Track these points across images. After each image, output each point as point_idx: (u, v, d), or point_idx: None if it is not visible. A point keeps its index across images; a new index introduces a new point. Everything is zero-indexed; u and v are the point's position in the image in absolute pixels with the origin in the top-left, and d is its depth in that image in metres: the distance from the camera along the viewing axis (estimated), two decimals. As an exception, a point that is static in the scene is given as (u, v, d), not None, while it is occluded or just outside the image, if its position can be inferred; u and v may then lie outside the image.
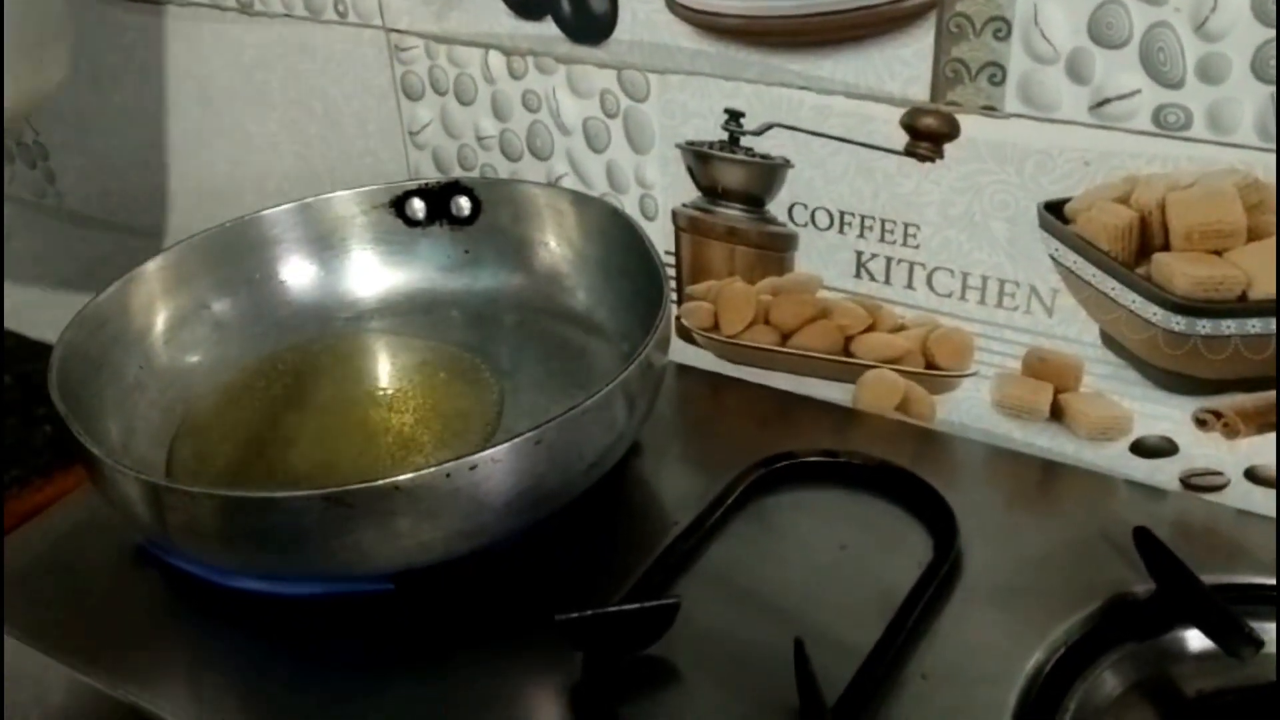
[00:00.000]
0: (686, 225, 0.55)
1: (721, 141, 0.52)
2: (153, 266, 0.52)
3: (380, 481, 0.37)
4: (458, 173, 0.61)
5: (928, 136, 0.48)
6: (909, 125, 0.48)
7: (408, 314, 0.56)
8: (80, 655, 0.43)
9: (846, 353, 0.54)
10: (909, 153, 0.48)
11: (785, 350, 0.55)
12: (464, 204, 0.57)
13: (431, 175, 0.62)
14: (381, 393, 0.52)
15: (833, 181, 0.51)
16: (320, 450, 0.48)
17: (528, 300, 0.56)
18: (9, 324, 0.90)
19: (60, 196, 0.78)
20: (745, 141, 0.52)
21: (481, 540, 0.40)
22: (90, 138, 0.74)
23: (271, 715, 0.40)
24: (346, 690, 0.41)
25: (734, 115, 0.51)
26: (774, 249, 0.54)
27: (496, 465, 0.38)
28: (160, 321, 0.51)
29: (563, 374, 0.52)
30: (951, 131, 0.47)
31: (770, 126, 0.51)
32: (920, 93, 0.47)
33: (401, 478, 0.37)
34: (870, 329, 0.53)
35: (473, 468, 0.38)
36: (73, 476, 0.64)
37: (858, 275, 0.52)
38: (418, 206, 0.57)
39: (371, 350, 0.55)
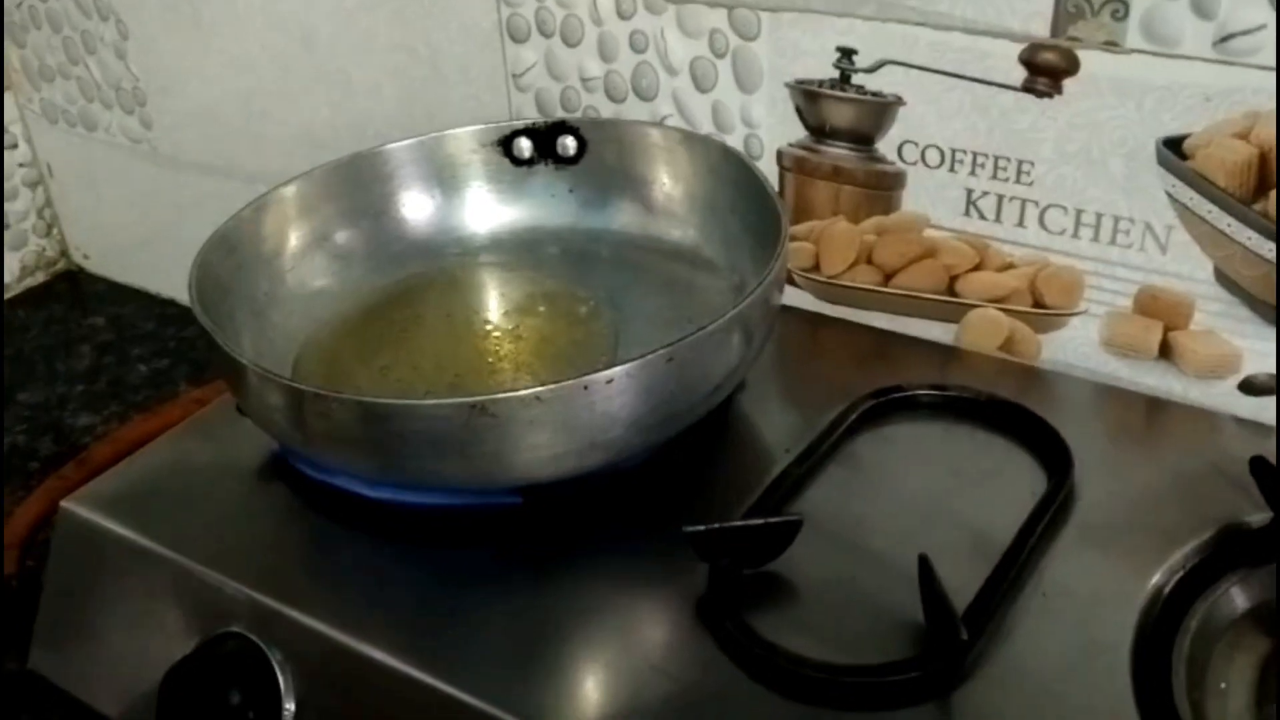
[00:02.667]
0: (791, 165, 0.56)
1: (832, 80, 0.53)
2: (282, 195, 0.53)
3: (523, 391, 0.38)
4: (560, 114, 0.62)
5: (1047, 72, 0.48)
6: (1028, 61, 0.48)
7: (516, 250, 0.57)
8: (212, 559, 0.45)
9: (951, 292, 0.54)
10: (1026, 89, 0.49)
11: (888, 290, 0.56)
12: (570, 144, 0.58)
13: (534, 117, 0.63)
14: (496, 324, 0.53)
15: (946, 119, 0.51)
16: (444, 375, 0.49)
17: (633, 238, 0.57)
18: (99, 269, 0.92)
19: (156, 141, 0.80)
20: (857, 79, 0.52)
21: (610, 456, 0.41)
22: (189, 83, 0.76)
23: (399, 622, 0.42)
24: (473, 601, 0.42)
25: (846, 53, 0.52)
26: (881, 188, 0.54)
27: (631, 380, 0.39)
28: (287, 249, 0.53)
29: (671, 308, 0.53)
30: (1071, 67, 0.47)
31: (883, 63, 0.51)
32: (1041, 28, 0.47)
33: (543, 388, 0.38)
34: (977, 268, 0.53)
35: (609, 381, 0.39)
36: (176, 408, 0.66)
37: (966, 213, 0.52)
38: (524, 146, 0.58)
39: (485, 284, 0.56)
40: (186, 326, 0.84)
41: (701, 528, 0.41)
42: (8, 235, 0.88)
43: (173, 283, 0.87)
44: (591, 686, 0.40)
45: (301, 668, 0.42)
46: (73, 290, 0.91)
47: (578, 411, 0.39)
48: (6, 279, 0.89)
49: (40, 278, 0.91)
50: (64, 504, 0.48)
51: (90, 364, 0.81)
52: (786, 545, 0.42)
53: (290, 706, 0.41)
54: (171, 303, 0.87)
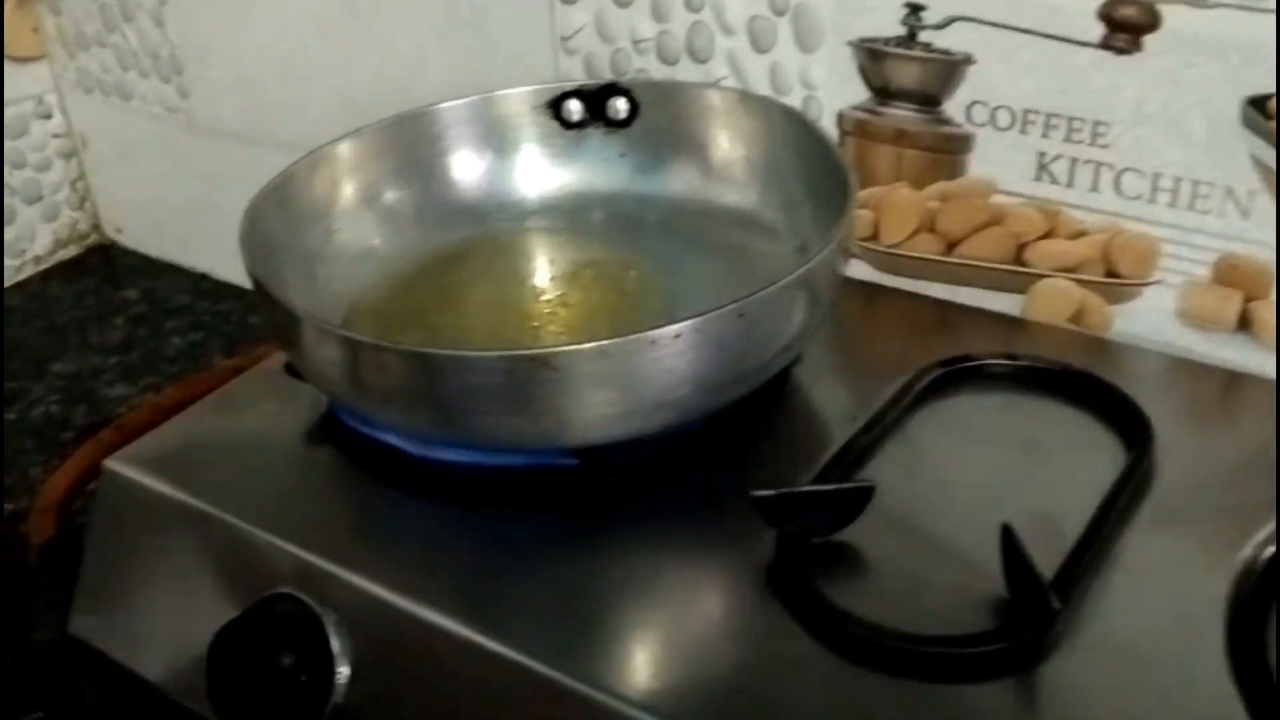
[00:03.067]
0: (852, 129, 0.54)
1: (898, 37, 0.51)
2: (334, 152, 0.52)
3: (586, 345, 0.37)
4: (609, 77, 0.60)
5: (1126, 28, 0.46)
6: (1107, 16, 0.46)
7: (566, 215, 0.55)
8: (261, 519, 0.43)
9: (1019, 261, 0.53)
10: (1104, 45, 0.47)
11: (951, 259, 0.54)
12: (621, 106, 0.56)
13: (582, 80, 0.62)
14: (545, 290, 0.51)
15: (1018, 78, 0.49)
16: (495, 336, 0.48)
17: (687, 202, 0.55)
18: (132, 243, 0.91)
19: (192, 111, 0.79)
20: (924, 37, 0.50)
21: (674, 416, 0.40)
22: (227, 50, 0.74)
23: (454, 584, 0.40)
24: (530, 564, 0.41)
25: (914, 8, 0.50)
26: (946, 151, 0.52)
27: (699, 335, 0.38)
28: (336, 207, 0.51)
29: (728, 274, 0.51)
30: (1153, 22, 0.46)
31: (953, 20, 0.50)
32: (1121, -19, 0.46)
33: (607, 341, 0.37)
34: (1047, 235, 0.51)
35: (677, 336, 0.37)
36: (214, 377, 0.65)
37: (1037, 178, 0.51)
38: (575, 108, 0.56)
39: (534, 249, 0.54)
40: (221, 300, 0.83)
41: (770, 492, 0.39)
42: (40, 206, 0.87)
43: (207, 256, 0.86)
44: (655, 652, 0.38)
45: (355, 630, 0.40)
46: (105, 264, 0.89)
47: (643, 367, 0.38)
48: (39, 250, 0.88)
49: (73, 250, 0.90)
50: (107, 463, 0.47)
51: (124, 336, 0.79)
52: (858, 512, 0.40)
53: (344, 670, 0.40)
54: (205, 277, 0.86)
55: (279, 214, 0.48)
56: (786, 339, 0.41)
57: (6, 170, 0.84)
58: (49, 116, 0.86)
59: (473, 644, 0.38)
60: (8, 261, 0.86)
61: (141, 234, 0.90)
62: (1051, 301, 0.53)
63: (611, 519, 0.43)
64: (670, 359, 0.38)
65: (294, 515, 0.44)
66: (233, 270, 0.84)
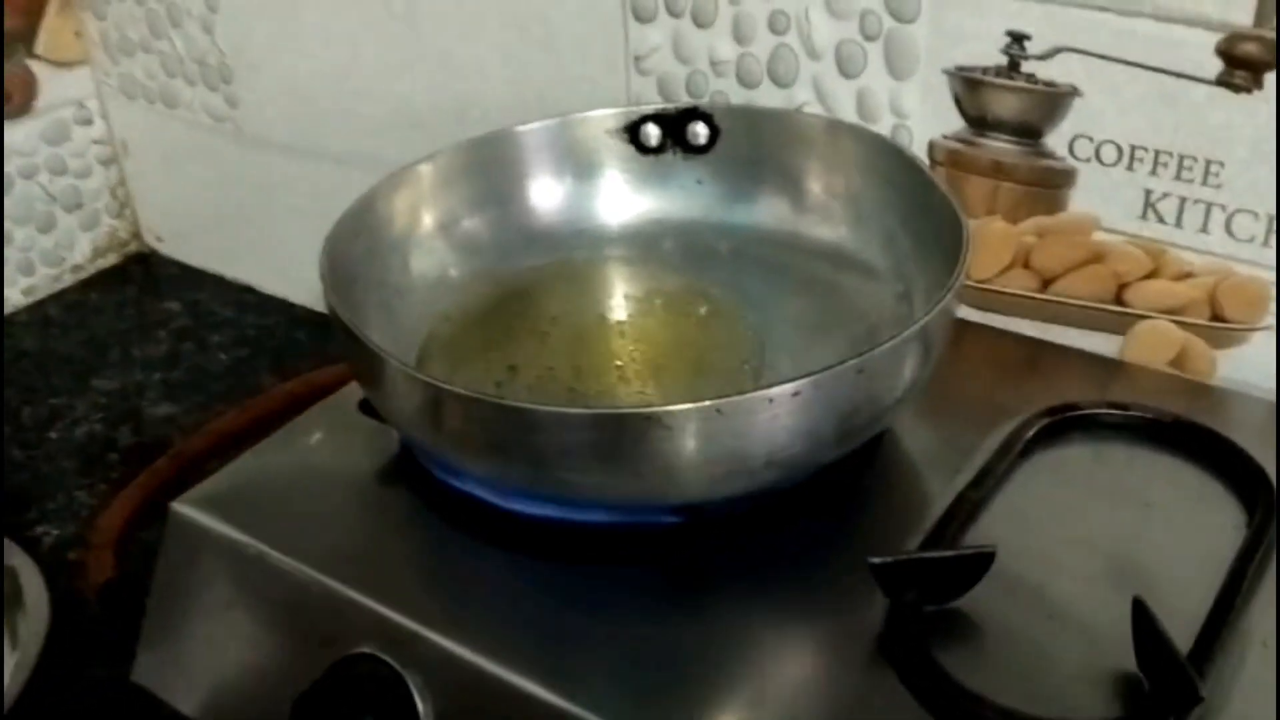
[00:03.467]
0: (944, 159, 0.52)
1: (999, 66, 0.49)
2: (414, 175, 0.50)
3: (703, 403, 0.35)
4: (684, 100, 0.58)
5: (1246, 65, 0.44)
6: (1225, 52, 0.44)
7: (644, 242, 0.53)
8: (337, 570, 0.41)
9: (1119, 301, 0.51)
10: (1222, 82, 0.45)
11: (1046, 297, 0.52)
12: (701, 131, 0.54)
13: (654, 102, 0.59)
14: (628, 322, 0.49)
15: (1126, 112, 0.47)
16: (580, 379, 0.46)
17: (768, 234, 0.53)
18: (171, 252, 0.89)
19: (241, 121, 0.77)
20: (1027, 67, 0.48)
21: (784, 474, 0.38)
22: (280, 60, 0.72)
23: (546, 646, 0.38)
24: (626, 625, 0.39)
25: (1017, 38, 0.48)
26: (1046, 186, 0.50)
27: (818, 392, 0.36)
28: (413, 234, 0.49)
29: (817, 312, 0.49)
30: (1274, 60, 0.43)
31: (1059, 50, 0.47)
32: (1243, 16, 0.43)
33: (724, 400, 0.35)
34: (1151, 275, 0.49)
35: (796, 394, 0.35)
36: (271, 401, 0.63)
37: (1143, 216, 0.48)
38: (652, 133, 0.54)
39: (612, 279, 0.52)
40: (266, 314, 0.81)
41: (888, 559, 0.37)
42: (80, 215, 0.85)
43: (250, 268, 0.84)
44: (756, 722, 0.36)
45: (440, 692, 0.38)
46: (145, 273, 0.88)
47: (758, 425, 0.36)
48: (78, 259, 0.86)
49: (112, 259, 0.88)
50: (175, 506, 0.45)
51: (168, 350, 0.78)
52: (977, 579, 0.38)
53: (430, 735, 0.38)
54: (249, 289, 0.84)
55: (357, 242, 0.46)
56: (900, 392, 0.39)
57: (46, 178, 0.82)
58: (89, 122, 0.84)
59: (564, 712, 0.36)
60: (47, 270, 0.85)
61: (182, 243, 0.88)
62: (1152, 344, 0.50)
63: (708, 577, 0.41)
64: (786, 417, 0.36)
65: (371, 566, 0.42)
66: (276, 283, 0.83)
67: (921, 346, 0.38)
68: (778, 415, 0.36)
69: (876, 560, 0.37)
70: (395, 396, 0.39)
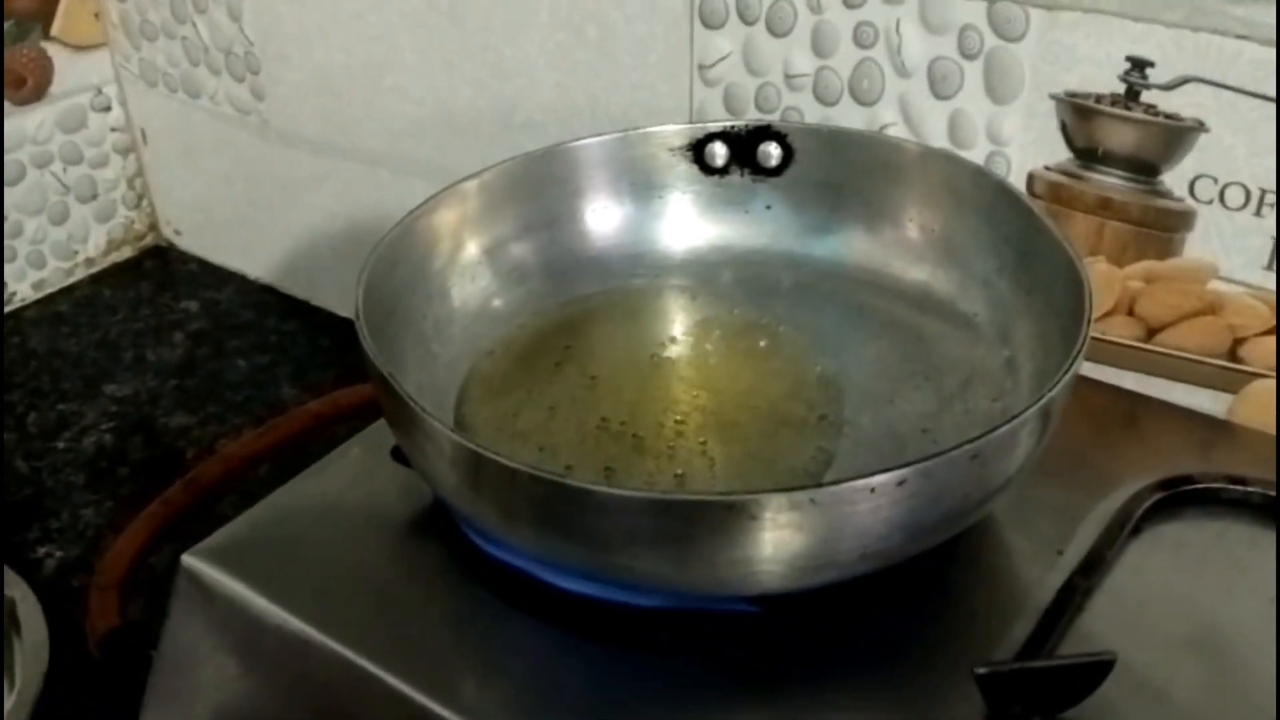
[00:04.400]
0: (1046, 192, 0.47)
1: (1115, 95, 0.44)
2: (455, 197, 0.45)
3: (795, 492, 0.30)
4: (752, 115, 0.53)
5: None
6: (1384, 89, 0.39)
7: (705, 272, 0.48)
8: (363, 642, 0.37)
9: (1232, 357, 0.46)
10: (1377, 123, 0.40)
11: (1151, 348, 0.47)
12: (773, 152, 0.49)
13: (719, 116, 0.55)
14: (689, 364, 0.45)
15: (1260, 153, 0.42)
16: (633, 433, 0.41)
17: (841, 268, 0.48)
18: (190, 246, 0.85)
19: (267, 113, 0.72)
20: (1148, 97, 0.43)
21: (877, 565, 0.33)
22: (312, 52, 0.68)
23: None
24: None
25: (1139, 64, 0.43)
26: (1159, 228, 0.45)
27: (926, 481, 0.31)
28: (455, 263, 0.44)
29: (900, 358, 0.44)
30: None
31: (1186, 80, 0.42)
32: (1407, 49, 0.38)
33: (819, 490, 0.30)
34: (1271, 332, 0.44)
35: (901, 482, 0.31)
36: (292, 422, 0.59)
37: (1269, 267, 0.43)
38: (719, 152, 0.49)
39: (670, 310, 0.47)
40: (287, 318, 0.76)
41: (994, 669, 0.32)
42: (94, 205, 0.81)
43: (272, 267, 0.80)
44: None
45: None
46: (162, 268, 0.83)
47: (857, 516, 0.31)
48: (91, 252, 0.82)
49: (127, 252, 0.84)
50: (186, 559, 0.40)
51: (184, 355, 0.73)
52: (1094, 689, 0.33)
53: (462, 841, 0.34)
54: (270, 289, 0.79)
55: (392, 274, 0.41)
56: (1012, 473, 0.34)
57: (60, 166, 0.78)
58: (108, 109, 0.79)
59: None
60: (58, 264, 0.80)
61: (202, 238, 0.84)
62: (1267, 405, 0.45)
63: (780, 671, 0.36)
64: (888, 508, 0.31)
65: (398, 638, 0.37)
66: (300, 285, 0.78)
67: (1040, 425, 0.34)
68: (879, 506, 0.31)
69: (982, 670, 0.32)
70: (436, 460, 0.34)
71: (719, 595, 0.34)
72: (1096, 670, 0.33)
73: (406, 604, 0.39)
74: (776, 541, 0.31)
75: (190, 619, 0.41)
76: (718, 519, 0.30)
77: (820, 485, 0.30)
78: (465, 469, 0.33)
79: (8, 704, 0.49)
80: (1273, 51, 0.40)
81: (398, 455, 0.42)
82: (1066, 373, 0.34)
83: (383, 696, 0.36)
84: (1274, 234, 0.43)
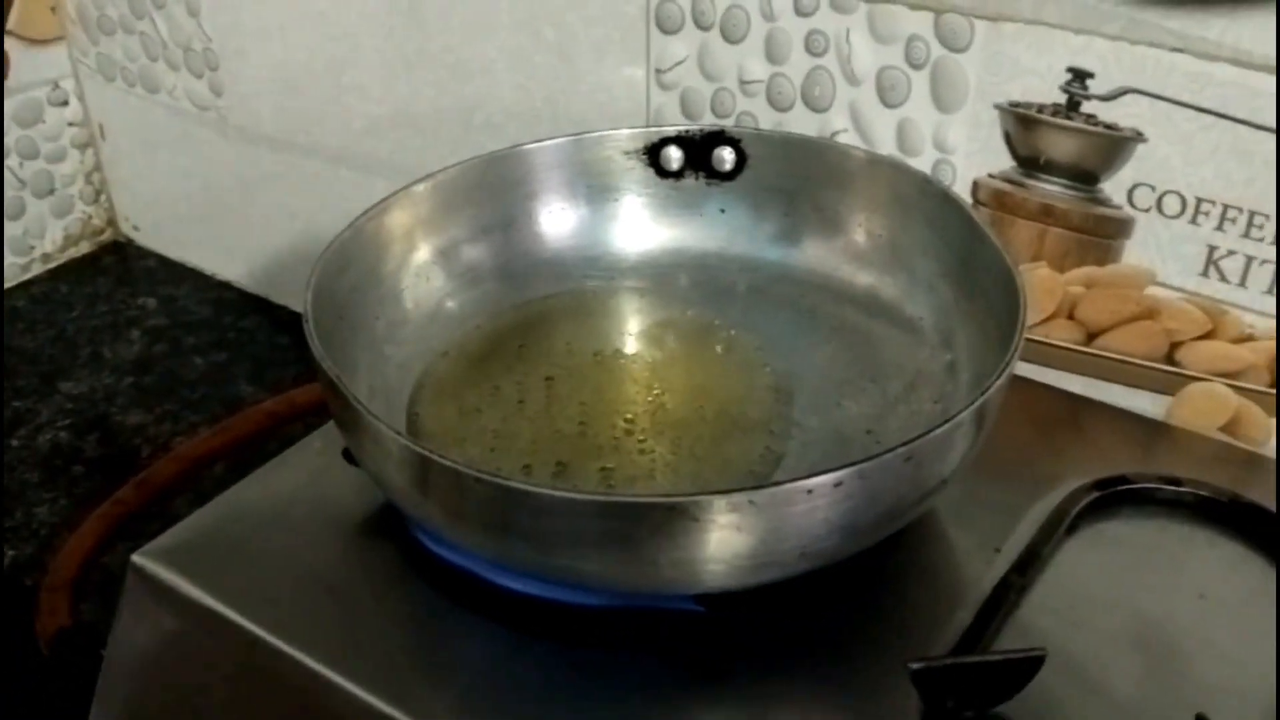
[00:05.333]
0: (989, 199, 0.48)
1: (1056, 105, 0.45)
2: (407, 199, 0.45)
3: (734, 494, 0.31)
4: (708, 119, 0.54)
5: (1334, 118, 0.40)
6: (1312, 103, 0.40)
7: (659, 275, 0.49)
8: (315, 645, 0.37)
9: (1170, 360, 0.47)
10: (1305, 135, 0.41)
11: (1091, 351, 0.48)
12: (727, 156, 0.50)
13: (675, 120, 0.55)
14: (640, 367, 0.45)
15: (1195, 163, 0.43)
16: (584, 435, 0.42)
17: (792, 272, 0.49)
18: (149, 242, 0.85)
19: (226, 110, 0.72)
20: (1088, 107, 0.44)
21: (816, 563, 0.34)
22: (272, 49, 0.68)
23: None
24: (627, 716, 0.35)
25: (1079, 75, 0.44)
26: (1098, 234, 0.46)
27: (862, 483, 0.32)
28: (407, 265, 0.45)
29: (846, 361, 0.45)
30: (1365, 114, 0.40)
31: (1125, 91, 0.43)
32: (1334, 65, 0.40)
33: (757, 492, 0.31)
34: (1207, 336, 0.46)
35: (838, 484, 0.32)
36: (246, 421, 0.59)
37: (1204, 274, 0.45)
38: (673, 155, 0.50)
39: (623, 312, 0.48)
40: (245, 315, 0.76)
41: (927, 664, 0.33)
42: (51, 200, 0.80)
43: (231, 263, 0.79)
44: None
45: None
46: (120, 264, 0.83)
47: (795, 517, 0.32)
48: (48, 247, 0.81)
49: (85, 248, 0.83)
50: (135, 559, 0.41)
51: (140, 352, 0.73)
52: (1025, 684, 0.34)
53: (409, 838, 0.35)
54: (228, 285, 0.79)
55: (343, 278, 0.41)
56: (948, 474, 0.35)
57: (16, 161, 0.77)
58: (65, 104, 0.79)
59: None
60: (14, 259, 0.80)
61: (160, 233, 0.84)
62: (1204, 408, 0.47)
63: (726, 669, 0.36)
64: (826, 509, 0.32)
65: (348, 639, 0.38)
66: (258, 281, 0.78)
67: (975, 427, 0.35)
68: (817, 507, 0.32)
69: (915, 665, 0.33)
70: (384, 461, 0.35)
71: (663, 594, 0.35)
72: (1028, 665, 0.34)
73: (357, 604, 0.39)
74: (718, 542, 0.32)
75: (140, 619, 0.41)
76: (659, 520, 0.31)
77: (758, 487, 0.31)
78: (412, 471, 0.34)
79: (-42, 702, 0.50)
80: (1210, 64, 0.42)
81: (349, 456, 0.42)
82: (999, 377, 0.35)
83: (333, 697, 0.37)
84: (1213, 245, 0.44)
